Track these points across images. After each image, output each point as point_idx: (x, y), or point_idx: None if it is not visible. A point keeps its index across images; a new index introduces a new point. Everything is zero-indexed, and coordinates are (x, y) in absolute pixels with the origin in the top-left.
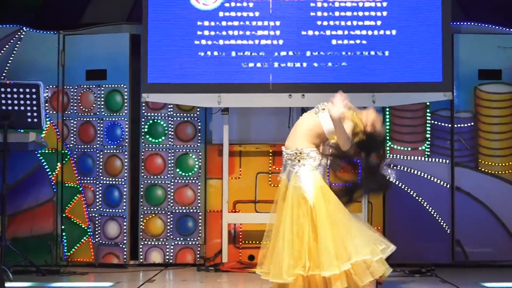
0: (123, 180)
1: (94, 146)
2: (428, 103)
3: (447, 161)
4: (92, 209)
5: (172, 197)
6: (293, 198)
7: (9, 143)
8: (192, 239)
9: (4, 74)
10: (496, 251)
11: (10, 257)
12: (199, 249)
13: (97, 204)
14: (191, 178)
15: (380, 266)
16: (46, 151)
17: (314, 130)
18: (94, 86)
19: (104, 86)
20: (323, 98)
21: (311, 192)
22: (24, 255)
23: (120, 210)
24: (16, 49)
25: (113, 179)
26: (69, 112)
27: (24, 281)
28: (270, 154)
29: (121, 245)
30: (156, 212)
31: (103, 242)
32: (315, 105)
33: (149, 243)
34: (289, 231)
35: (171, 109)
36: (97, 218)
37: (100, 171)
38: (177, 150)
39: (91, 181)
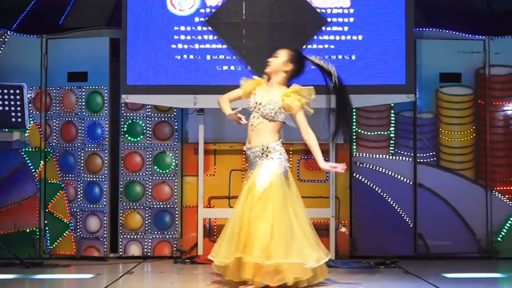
0: (103, 177)
1: (76, 145)
2: (392, 105)
3: (410, 159)
4: (73, 205)
5: (150, 193)
6: (248, 190)
7: None
8: (169, 233)
9: None
10: (456, 244)
11: None
12: (175, 242)
13: (79, 200)
14: (168, 175)
15: (309, 273)
16: (30, 150)
17: (274, 128)
18: (75, 87)
19: (85, 87)
20: None
21: (263, 185)
22: (9, 249)
23: (100, 206)
24: (0, 52)
25: (94, 176)
26: (51, 112)
27: (9, 273)
28: (243, 153)
29: (101, 239)
30: (135, 207)
31: (84, 236)
32: None
33: (128, 237)
34: (236, 218)
35: (149, 110)
36: (78, 213)
37: (82, 168)
38: (155, 149)
39: (73, 178)
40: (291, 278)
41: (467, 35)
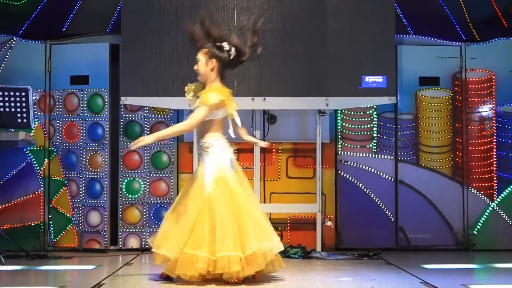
0: (104, 174)
1: (78, 144)
2: (375, 106)
3: (392, 157)
4: (76, 200)
5: (148, 190)
6: (195, 186)
7: (0, 141)
8: None
9: None
10: (435, 237)
11: (2, 243)
12: None
13: (81, 195)
14: (165, 173)
15: (262, 261)
16: (35, 149)
17: (211, 121)
18: (77, 90)
19: (86, 90)
20: (283, 101)
21: (210, 182)
22: (15, 242)
23: (101, 201)
24: (7, 56)
25: (95, 173)
26: (55, 114)
27: (15, 265)
28: (235, 151)
29: (102, 232)
30: (134, 202)
31: (86, 229)
32: (275, 107)
33: (128, 230)
34: (185, 213)
35: (147, 111)
36: (80, 208)
37: (83, 166)
38: (152, 148)
39: (75, 175)
40: (263, 264)
41: (445, 41)
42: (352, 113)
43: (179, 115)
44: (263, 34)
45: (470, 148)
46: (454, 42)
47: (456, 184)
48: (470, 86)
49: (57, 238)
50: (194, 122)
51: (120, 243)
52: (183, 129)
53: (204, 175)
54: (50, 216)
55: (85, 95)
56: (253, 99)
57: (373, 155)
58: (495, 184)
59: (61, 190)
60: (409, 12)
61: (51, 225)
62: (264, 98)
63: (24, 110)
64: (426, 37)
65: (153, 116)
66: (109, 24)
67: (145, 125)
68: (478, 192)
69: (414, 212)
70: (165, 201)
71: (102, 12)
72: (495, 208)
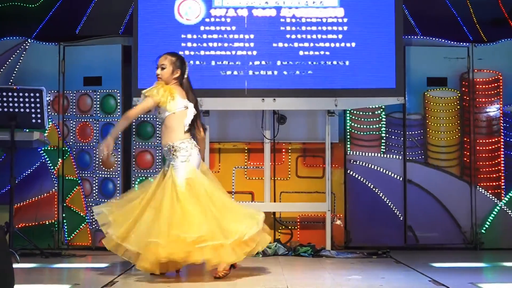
0: (116, 173)
1: (91, 144)
2: (383, 107)
3: (400, 157)
4: (89, 199)
5: None
6: (166, 186)
7: (15, 141)
8: None
9: (11, 81)
10: (443, 236)
11: (17, 241)
12: None
13: (94, 195)
14: None
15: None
16: (49, 148)
17: (173, 124)
18: (90, 91)
19: (99, 91)
20: (292, 101)
21: (181, 182)
22: (30, 240)
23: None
24: (21, 58)
25: (108, 173)
26: (68, 114)
27: (30, 263)
28: (246, 151)
29: None
30: None
31: (99, 228)
32: (285, 108)
33: None
34: (155, 211)
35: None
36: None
37: (96, 165)
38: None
39: (89, 175)
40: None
41: (452, 42)
42: (361, 113)
43: None
44: (274, 34)
45: (477, 147)
46: (461, 43)
47: (464, 183)
48: (477, 86)
49: (71, 237)
50: (134, 110)
51: None
52: (126, 117)
53: (175, 177)
54: (64, 215)
55: (98, 96)
56: (263, 99)
57: (382, 155)
58: (502, 183)
59: (74, 189)
60: (417, 13)
61: (65, 224)
62: (274, 99)
63: (38, 110)
64: (433, 38)
65: None
66: (121, 25)
67: (157, 125)
68: (485, 191)
69: (423, 211)
70: None
71: (115, 14)
72: (503, 207)
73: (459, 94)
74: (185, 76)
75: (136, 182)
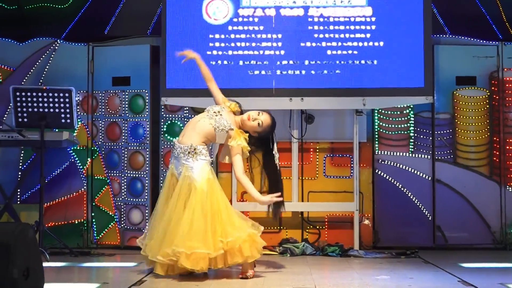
0: (145, 173)
1: (120, 144)
2: (411, 106)
3: (429, 156)
4: (118, 199)
5: None
6: (182, 187)
7: (45, 141)
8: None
9: (41, 81)
10: (472, 236)
11: (47, 240)
12: None
13: (123, 194)
14: None
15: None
16: (78, 148)
17: (208, 134)
18: (119, 91)
19: (128, 91)
20: (320, 101)
21: (200, 183)
22: (59, 239)
23: (142, 200)
24: (51, 58)
25: (136, 173)
26: (97, 114)
27: (60, 261)
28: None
29: (143, 230)
30: None
31: (128, 227)
32: (313, 107)
33: None
34: (172, 215)
35: (187, 111)
36: (122, 207)
37: (125, 165)
38: None
39: (117, 174)
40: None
41: (481, 40)
42: (389, 112)
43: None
44: (302, 34)
45: (507, 147)
46: (490, 42)
47: (493, 183)
48: (507, 85)
49: (100, 236)
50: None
51: None
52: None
53: (193, 177)
54: (93, 214)
55: (127, 96)
56: (291, 99)
57: (410, 154)
58: None
59: (103, 188)
60: (445, 11)
61: (94, 223)
62: (302, 98)
63: (67, 110)
64: (462, 37)
65: (193, 116)
66: (149, 26)
67: (185, 125)
68: None
69: (452, 211)
70: None
71: (143, 15)
72: None
73: (488, 93)
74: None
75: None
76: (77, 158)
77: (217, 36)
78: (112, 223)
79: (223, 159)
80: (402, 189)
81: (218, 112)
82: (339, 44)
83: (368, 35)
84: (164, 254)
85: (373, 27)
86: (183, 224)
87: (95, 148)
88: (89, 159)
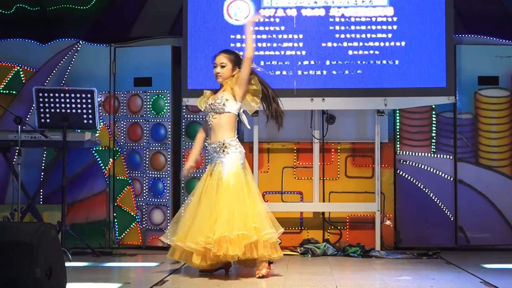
0: (166, 173)
1: (141, 144)
2: (433, 106)
3: (451, 157)
4: (139, 199)
5: None
6: (213, 181)
7: (67, 142)
8: None
9: (63, 82)
10: (494, 236)
11: (69, 240)
12: None
13: (144, 194)
14: None
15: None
16: (100, 149)
17: (229, 123)
18: (141, 91)
19: (149, 91)
20: (341, 101)
21: (226, 176)
22: (81, 239)
23: (164, 200)
24: (73, 59)
25: (158, 173)
26: (119, 114)
27: (82, 261)
28: (295, 151)
29: (165, 230)
30: None
31: (150, 227)
32: (334, 107)
33: None
34: (204, 207)
35: None
36: (144, 207)
37: (147, 166)
38: None
39: (139, 175)
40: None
41: (503, 40)
42: (411, 112)
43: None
44: (323, 34)
45: None
46: None
47: None
48: None
49: (122, 236)
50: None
51: None
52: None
53: (222, 171)
54: (115, 214)
55: (148, 97)
56: (312, 99)
57: (432, 155)
58: None
59: (125, 189)
60: (467, 11)
61: (116, 223)
62: (323, 99)
63: (89, 111)
64: (484, 37)
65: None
66: (171, 26)
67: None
68: None
69: (474, 211)
70: None
71: (164, 15)
72: None
73: (511, 93)
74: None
75: (185, 182)
76: (99, 159)
77: (238, 36)
78: (133, 223)
79: (250, 107)
80: (424, 189)
81: (209, 104)
82: (361, 44)
83: (390, 35)
84: (198, 241)
85: (395, 27)
86: (219, 213)
87: (117, 148)
88: (111, 159)
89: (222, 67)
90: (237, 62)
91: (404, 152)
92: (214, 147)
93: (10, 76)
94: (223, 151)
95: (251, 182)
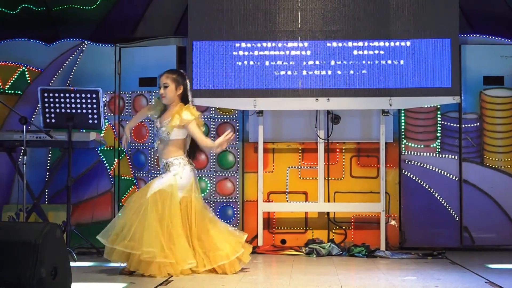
0: None
1: (146, 144)
2: (438, 106)
3: (456, 157)
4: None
5: (214, 189)
6: (158, 195)
7: (73, 142)
8: (231, 225)
9: (68, 82)
10: (499, 237)
11: (74, 240)
12: None
13: None
14: (231, 172)
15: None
16: (105, 149)
17: (174, 145)
18: (146, 91)
19: (154, 91)
20: (346, 101)
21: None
22: (86, 239)
23: None
24: (78, 59)
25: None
26: (124, 115)
27: (87, 261)
28: (300, 151)
29: None
30: None
31: None
32: (339, 107)
33: None
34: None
35: (213, 112)
36: None
37: (152, 165)
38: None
39: (144, 175)
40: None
41: (509, 40)
42: (416, 112)
43: (244, 116)
44: (327, 34)
45: None
46: None
47: None
48: None
49: None
50: (204, 138)
51: None
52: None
53: (172, 188)
54: (120, 214)
55: (153, 96)
56: (317, 99)
57: (437, 155)
58: None
59: (130, 189)
60: (472, 11)
61: None
62: (328, 99)
63: (95, 111)
64: (489, 36)
65: (219, 116)
66: (176, 27)
67: (212, 125)
68: None
69: (479, 211)
70: (231, 200)
71: (169, 15)
72: None
73: None
74: (188, 90)
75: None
76: (104, 159)
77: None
78: None
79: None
80: (429, 189)
81: (157, 127)
82: (366, 44)
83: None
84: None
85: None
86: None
87: (122, 148)
88: (116, 159)
89: (165, 87)
90: (181, 81)
91: (409, 152)
92: (161, 167)
93: (16, 76)
94: (167, 169)
95: (175, 206)
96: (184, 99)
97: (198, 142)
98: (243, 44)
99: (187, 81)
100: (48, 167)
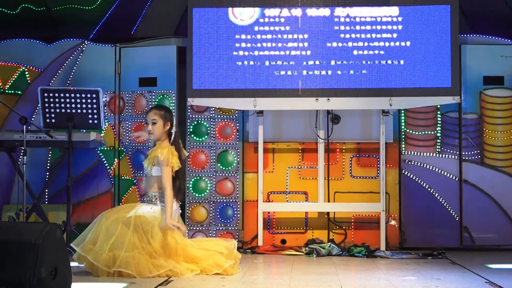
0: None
1: (146, 144)
2: (438, 106)
3: (456, 157)
4: (144, 199)
5: (214, 189)
6: (142, 219)
7: (73, 142)
8: (231, 225)
9: (68, 82)
10: (499, 237)
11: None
12: (237, 234)
13: None
14: (231, 172)
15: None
16: (105, 149)
17: (158, 181)
18: (146, 91)
19: (154, 91)
20: (346, 101)
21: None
22: None
23: None
24: (78, 60)
25: None
26: (124, 114)
27: None
28: (300, 151)
29: None
30: (200, 201)
31: None
32: (339, 107)
33: (195, 228)
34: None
35: (213, 112)
36: None
37: None
38: (218, 148)
39: (144, 175)
40: None
41: (509, 40)
42: (416, 112)
43: (244, 116)
44: (328, 34)
45: None
46: None
47: None
48: None
49: None
50: (169, 186)
51: None
52: (169, 197)
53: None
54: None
55: (153, 97)
56: (317, 99)
57: (437, 155)
58: None
59: (130, 189)
60: (472, 11)
61: None
62: (328, 99)
63: (95, 111)
64: (490, 36)
65: (219, 116)
66: (176, 27)
67: (212, 126)
68: None
69: (479, 211)
70: (230, 200)
71: (169, 15)
72: None
73: None
74: (174, 127)
75: (191, 182)
76: (104, 159)
77: (243, 36)
78: None
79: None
80: (429, 189)
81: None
82: (366, 44)
83: (395, 35)
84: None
85: (400, 27)
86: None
87: (122, 148)
88: (116, 159)
89: (154, 123)
90: (168, 117)
91: (409, 152)
92: (146, 199)
93: (16, 76)
94: (154, 203)
95: (156, 232)
96: (170, 135)
97: (164, 183)
98: (243, 44)
99: (173, 115)
100: (48, 167)
